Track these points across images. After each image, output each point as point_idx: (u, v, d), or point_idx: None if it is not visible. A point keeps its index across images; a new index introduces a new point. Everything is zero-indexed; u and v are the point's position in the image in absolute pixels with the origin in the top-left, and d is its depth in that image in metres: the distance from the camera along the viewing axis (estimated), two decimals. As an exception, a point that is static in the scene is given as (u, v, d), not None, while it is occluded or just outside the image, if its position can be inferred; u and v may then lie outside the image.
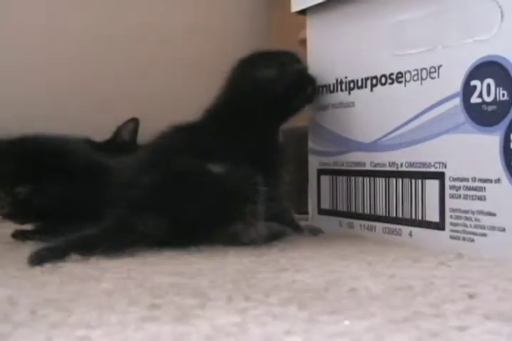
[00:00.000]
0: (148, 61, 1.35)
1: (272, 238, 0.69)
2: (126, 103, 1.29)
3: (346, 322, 0.37)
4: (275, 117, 0.75)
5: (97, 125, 1.10)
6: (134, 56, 1.34)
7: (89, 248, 0.60)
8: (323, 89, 0.79)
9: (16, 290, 0.48)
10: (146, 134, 0.80)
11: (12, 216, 0.75)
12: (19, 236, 0.76)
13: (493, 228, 0.59)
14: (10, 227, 0.78)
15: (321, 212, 0.81)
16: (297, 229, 0.76)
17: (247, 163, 0.67)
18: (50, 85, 1.28)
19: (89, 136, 1.08)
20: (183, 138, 0.71)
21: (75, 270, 0.55)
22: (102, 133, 1.13)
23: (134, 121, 1.18)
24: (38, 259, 0.57)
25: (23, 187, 0.73)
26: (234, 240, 0.67)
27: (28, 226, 0.77)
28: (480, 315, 0.38)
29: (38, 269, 0.55)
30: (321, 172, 0.81)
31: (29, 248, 0.60)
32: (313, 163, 0.82)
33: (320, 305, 0.42)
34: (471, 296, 0.43)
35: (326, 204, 0.80)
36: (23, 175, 0.73)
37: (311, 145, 0.83)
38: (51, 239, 0.62)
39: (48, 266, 0.56)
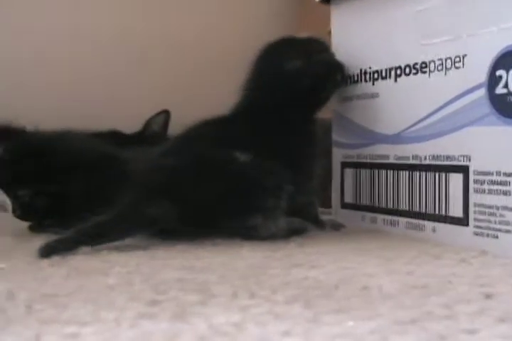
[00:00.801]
0: (181, 56, 1.35)
1: (291, 233, 0.67)
2: (157, 97, 1.28)
3: (350, 323, 0.35)
4: (305, 108, 0.73)
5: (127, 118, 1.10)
6: (168, 52, 1.35)
7: (102, 235, 0.60)
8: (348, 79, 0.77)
9: (18, 283, 0.47)
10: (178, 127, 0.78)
11: (24, 218, 0.75)
12: (35, 228, 0.75)
13: (518, 224, 0.56)
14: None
15: (344, 206, 0.79)
16: (319, 224, 0.74)
17: (277, 156, 0.65)
18: (77, 80, 1.29)
19: (116, 128, 1.08)
20: (212, 129, 0.70)
21: (82, 263, 0.54)
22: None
23: (165, 113, 1.17)
24: (47, 252, 0.56)
25: (23, 190, 0.73)
26: (252, 233, 0.65)
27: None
28: (494, 317, 0.36)
29: (46, 262, 0.54)
30: (344, 165, 0.79)
31: (43, 241, 0.59)
32: (337, 155, 0.80)
33: (327, 303, 0.40)
34: (487, 296, 0.41)
35: (349, 198, 0.78)
36: (22, 178, 0.74)
37: (335, 137, 0.80)
38: (66, 231, 0.61)
39: (56, 258, 0.55)
